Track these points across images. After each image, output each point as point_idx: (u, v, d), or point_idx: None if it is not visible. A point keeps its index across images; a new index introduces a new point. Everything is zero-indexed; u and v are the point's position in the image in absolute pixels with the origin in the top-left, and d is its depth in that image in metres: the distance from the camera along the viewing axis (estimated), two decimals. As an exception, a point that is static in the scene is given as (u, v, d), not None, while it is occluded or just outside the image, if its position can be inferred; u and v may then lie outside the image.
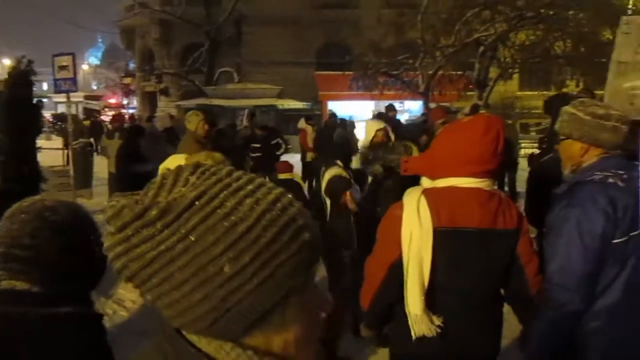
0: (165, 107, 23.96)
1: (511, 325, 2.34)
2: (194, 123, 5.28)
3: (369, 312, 2.15)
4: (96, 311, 1.42)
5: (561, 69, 10.82)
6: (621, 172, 2.08)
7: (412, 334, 1.97)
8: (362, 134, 4.97)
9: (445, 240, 1.94)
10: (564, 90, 12.80)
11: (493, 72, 12.05)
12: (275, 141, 9.90)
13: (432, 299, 1.99)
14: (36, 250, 1.26)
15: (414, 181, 2.23)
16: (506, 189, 11.26)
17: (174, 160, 3.21)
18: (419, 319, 1.97)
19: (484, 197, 1.99)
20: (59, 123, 21.08)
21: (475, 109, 11.65)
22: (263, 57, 24.84)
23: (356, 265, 3.45)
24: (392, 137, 4.49)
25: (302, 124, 11.13)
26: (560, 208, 2.14)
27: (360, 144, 4.77)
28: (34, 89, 7.13)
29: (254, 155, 9.27)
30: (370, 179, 4.39)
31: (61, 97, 14.87)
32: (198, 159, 2.30)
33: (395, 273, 1.99)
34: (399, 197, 2.11)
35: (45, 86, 34.29)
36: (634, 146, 2.22)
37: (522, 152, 10.96)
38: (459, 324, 2.03)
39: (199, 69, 24.82)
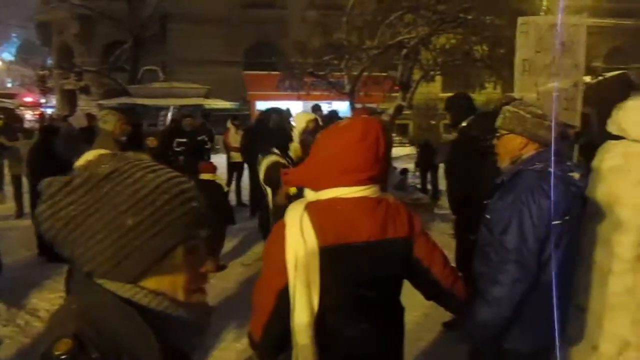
0: (86, 106, 22.96)
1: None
2: (111, 123, 5.07)
3: (261, 344, 1.99)
4: None
5: (480, 71, 11.22)
6: (555, 164, 2.29)
7: None
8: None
9: (334, 259, 1.82)
10: (483, 91, 13.36)
11: (416, 74, 12.34)
12: (201, 137, 9.71)
13: (325, 323, 1.87)
14: None
15: None
16: (429, 186, 11.62)
17: (91, 157, 3.02)
18: (304, 349, 1.84)
19: (371, 206, 1.89)
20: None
21: (399, 110, 11.94)
22: (190, 56, 24.35)
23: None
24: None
25: (228, 123, 11.02)
26: (508, 193, 2.36)
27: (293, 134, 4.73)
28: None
29: (178, 150, 9.02)
30: None
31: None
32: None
33: (284, 300, 1.84)
34: None
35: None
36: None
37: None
38: (357, 342, 1.93)
39: (121, 66, 23.95)
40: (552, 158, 2.28)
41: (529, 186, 2.30)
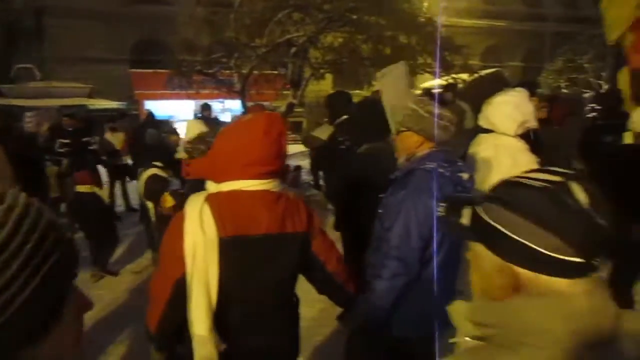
0: (-50, 107, 20.82)
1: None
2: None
3: (157, 335, 1.96)
4: None
5: (367, 69, 11.55)
6: (446, 164, 2.44)
7: (195, 357, 1.83)
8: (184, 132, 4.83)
9: (232, 250, 1.84)
10: (372, 89, 13.76)
11: (307, 72, 12.45)
12: (86, 139, 9.16)
13: (223, 314, 1.87)
14: None
15: None
16: (321, 182, 11.78)
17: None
18: (203, 340, 1.83)
19: (271, 200, 1.92)
20: None
21: (290, 108, 11.99)
22: (71, 53, 22.92)
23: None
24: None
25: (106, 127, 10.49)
26: (399, 190, 2.41)
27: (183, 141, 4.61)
28: None
29: (62, 151, 8.42)
30: None
31: None
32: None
33: (182, 290, 1.83)
34: None
35: None
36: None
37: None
38: (255, 333, 1.95)
39: (-9, 64, 21.99)
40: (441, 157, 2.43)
41: (417, 185, 2.36)
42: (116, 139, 9.81)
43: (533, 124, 3.91)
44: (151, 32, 24.70)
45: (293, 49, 11.11)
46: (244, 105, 12.16)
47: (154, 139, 6.88)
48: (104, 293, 5.71)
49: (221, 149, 1.94)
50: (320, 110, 19.49)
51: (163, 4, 24.29)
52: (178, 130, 8.01)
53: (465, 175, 2.45)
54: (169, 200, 3.78)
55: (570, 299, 0.91)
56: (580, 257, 0.91)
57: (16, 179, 3.91)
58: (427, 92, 10.05)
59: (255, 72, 11.94)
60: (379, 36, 10.67)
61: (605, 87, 22.11)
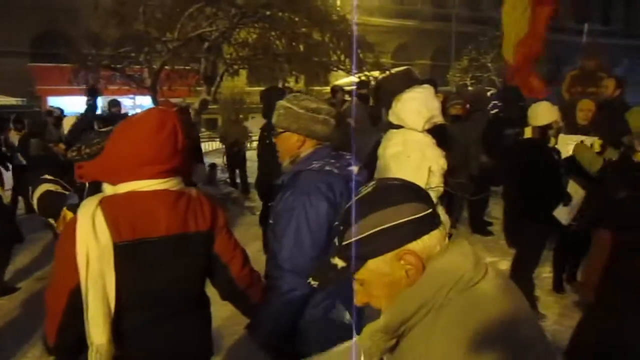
0: None
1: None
2: None
3: (56, 347, 1.84)
4: None
5: (282, 66, 11.52)
6: (333, 160, 2.28)
7: None
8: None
9: (130, 255, 1.76)
10: (287, 85, 13.77)
11: (221, 68, 12.24)
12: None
13: (124, 321, 1.80)
14: None
15: None
16: (238, 180, 11.67)
17: None
18: (102, 349, 1.75)
19: (171, 199, 1.85)
20: None
21: (204, 104, 11.75)
22: (-40, 45, 21.15)
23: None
24: None
25: (10, 124, 9.81)
26: (287, 197, 2.23)
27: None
28: None
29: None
30: None
31: None
32: None
33: (78, 300, 1.74)
34: None
35: None
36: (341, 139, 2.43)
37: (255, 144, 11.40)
38: (160, 338, 1.88)
39: None
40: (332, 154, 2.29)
41: (305, 188, 2.19)
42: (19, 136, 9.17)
43: (439, 119, 4.08)
44: (52, 23, 23.27)
45: (206, 44, 10.87)
46: (154, 101, 11.76)
47: (38, 149, 6.43)
48: (4, 303, 5.37)
49: (114, 149, 1.84)
50: (235, 107, 19.29)
51: (65, -7, 22.98)
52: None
53: (355, 169, 2.31)
54: (68, 215, 3.58)
55: (454, 244, 1.14)
56: (428, 207, 1.13)
57: None
58: (340, 89, 10.18)
59: (167, 67, 11.56)
60: (293, 33, 10.68)
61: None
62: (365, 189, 1.17)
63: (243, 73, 14.31)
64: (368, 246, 1.10)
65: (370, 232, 1.10)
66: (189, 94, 14.26)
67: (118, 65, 11.69)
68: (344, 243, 1.14)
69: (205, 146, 16.88)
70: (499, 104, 8.08)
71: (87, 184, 2.64)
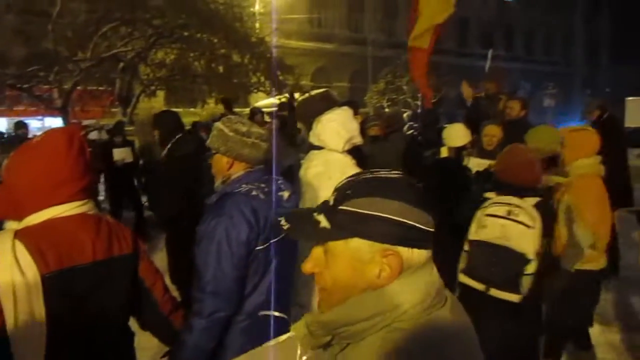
0: None
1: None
2: None
3: None
4: None
5: (200, 87, 11.42)
6: (263, 185, 2.29)
7: None
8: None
9: (60, 286, 1.65)
10: (207, 107, 13.65)
11: (137, 89, 11.95)
12: None
13: (56, 355, 1.69)
14: None
15: None
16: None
17: None
18: None
19: (93, 223, 1.77)
20: None
21: (119, 126, 11.38)
22: None
23: None
24: None
25: None
26: (211, 218, 2.19)
27: None
28: None
29: None
30: None
31: None
32: None
33: (5, 341, 1.61)
34: None
35: None
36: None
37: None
38: None
39: None
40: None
41: (229, 211, 2.18)
42: None
43: (358, 140, 4.18)
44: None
45: (121, 65, 10.58)
46: (65, 122, 11.25)
47: None
48: None
49: (17, 180, 1.70)
50: (152, 129, 18.82)
51: (-35, 9, 21.63)
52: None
53: (285, 194, 2.33)
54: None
55: (430, 269, 1.07)
56: (432, 226, 1.05)
57: None
58: (259, 110, 10.21)
59: (79, 87, 11.12)
60: (212, 54, 10.64)
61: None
62: (387, 173, 1.09)
63: (161, 94, 14.02)
64: (363, 225, 1.03)
65: (374, 213, 1.02)
66: (103, 115, 13.78)
67: (25, 85, 11.09)
68: (341, 207, 1.05)
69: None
70: (415, 125, 8.40)
71: None
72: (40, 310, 1.63)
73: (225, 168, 2.34)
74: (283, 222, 1.12)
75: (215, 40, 10.79)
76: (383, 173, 1.09)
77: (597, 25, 44.95)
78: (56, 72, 10.76)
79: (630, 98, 22.95)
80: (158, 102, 16.79)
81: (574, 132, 3.87)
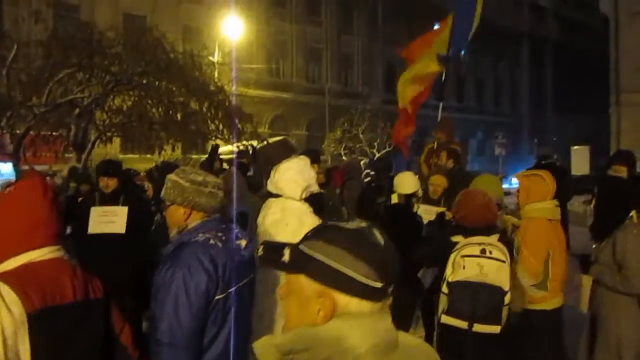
0: None
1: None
2: None
3: None
4: None
5: (158, 134, 11.38)
6: (220, 233, 2.30)
7: None
8: None
9: (43, 325, 1.68)
10: (164, 153, 13.56)
11: (93, 135, 11.82)
12: None
13: None
14: None
15: None
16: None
17: None
18: None
19: (69, 267, 1.82)
20: None
21: (74, 172, 11.17)
22: None
23: None
24: None
25: None
26: (168, 268, 2.18)
27: None
28: None
29: None
30: None
31: None
32: None
33: None
34: None
35: None
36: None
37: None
38: None
39: None
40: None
41: (186, 260, 2.17)
42: None
43: (315, 188, 4.27)
44: None
45: (77, 110, 10.47)
46: (16, 168, 10.96)
47: None
48: None
49: None
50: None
51: None
52: None
53: (242, 242, 2.33)
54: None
55: (373, 319, 1.12)
56: (381, 283, 1.12)
57: None
58: (217, 157, 10.23)
59: (32, 132, 10.92)
60: (170, 101, 10.68)
61: (377, 154, 25.07)
62: (358, 224, 1.18)
63: (117, 140, 13.87)
64: (308, 264, 1.13)
65: (321, 258, 1.12)
66: (55, 160, 13.49)
67: (-26, 130, 10.83)
68: (299, 246, 1.16)
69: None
70: (372, 173, 8.59)
71: None
72: (25, 352, 1.65)
73: (183, 219, 2.34)
74: (260, 250, 1.23)
75: (174, 88, 10.86)
76: (349, 222, 1.20)
77: (541, 77, 47.35)
78: (9, 117, 10.55)
79: (576, 147, 23.87)
80: (114, 148, 16.59)
81: (526, 177, 4.04)
